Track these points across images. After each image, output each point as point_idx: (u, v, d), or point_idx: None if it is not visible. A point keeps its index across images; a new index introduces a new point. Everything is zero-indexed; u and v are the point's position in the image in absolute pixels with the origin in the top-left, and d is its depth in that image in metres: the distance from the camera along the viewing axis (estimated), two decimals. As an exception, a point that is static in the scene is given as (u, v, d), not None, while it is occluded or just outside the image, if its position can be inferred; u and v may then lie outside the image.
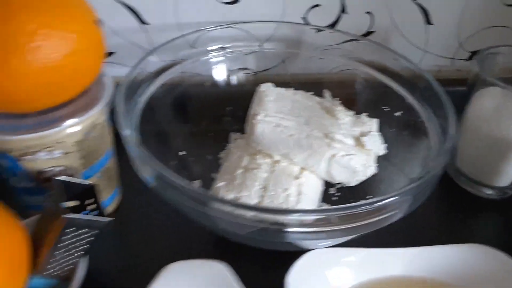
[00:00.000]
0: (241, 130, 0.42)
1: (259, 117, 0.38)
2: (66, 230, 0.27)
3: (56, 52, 0.27)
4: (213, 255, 0.32)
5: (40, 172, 0.32)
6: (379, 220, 0.29)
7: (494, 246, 0.33)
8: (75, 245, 0.29)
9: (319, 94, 0.43)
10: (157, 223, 0.38)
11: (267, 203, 0.34)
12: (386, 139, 0.40)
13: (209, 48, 0.43)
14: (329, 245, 0.33)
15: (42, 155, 0.31)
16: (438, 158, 0.33)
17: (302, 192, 0.35)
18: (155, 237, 0.37)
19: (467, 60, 0.49)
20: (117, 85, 0.34)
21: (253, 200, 0.34)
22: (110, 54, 0.46)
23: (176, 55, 0.41)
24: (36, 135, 0.30)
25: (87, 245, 0.29)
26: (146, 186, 0.32)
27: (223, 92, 0.44)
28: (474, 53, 0.49)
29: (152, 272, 0.30)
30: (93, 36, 0.30)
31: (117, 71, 0.40)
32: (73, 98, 0.31)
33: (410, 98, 0.39)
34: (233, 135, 0.43)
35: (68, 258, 0.30)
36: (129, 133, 0.31)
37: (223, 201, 0.31)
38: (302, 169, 0.37)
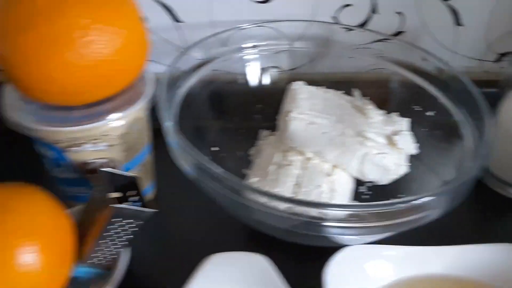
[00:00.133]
0: (271, 128, 0.43)
1: (292, 115, 0.38)
2: (113, 220, 0.28)
3: (107, 47, 0.28)
4: (248, 248, 0.32)
5: (84, 164, 0.33)
6: (415, 219, 0.29)
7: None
8: (119, 235, 0.30)
9: (348, 93, 0.43)
10: (191, 216, 0.39)
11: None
12: (418, 138, 0.40)
13: (241, 46, 0.43)
14: (365, 243, 0.33)
15: (87, 147, 0.32)
16: (475, 161, 0.33)
17: (335, 189, 0.36)
18: (190, 229, 0.38)
19: (495, 61, 0.49)
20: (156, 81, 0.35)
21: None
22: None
23: (209, 52, 0.42)
24: (83, 128, 0.30)
25: (131, 236, 0.30)
26: (179, 181, 0.33)
27: (254, 90, 0.45)
28: (502, 55, 0.49)
29: (192, 264, 0.31)
30: (140, 33, 0.31)
31: (150, 67, 0.41)
32: (118, 93, 0.32)
33: (442, 98, 0.40)
34: (263, 132, 0.44)
35: (112, 247, 0.30)
36: (171, 124, 0.32)
37: (265, 193, 0.31)
38: (334, 166, 0.37)
